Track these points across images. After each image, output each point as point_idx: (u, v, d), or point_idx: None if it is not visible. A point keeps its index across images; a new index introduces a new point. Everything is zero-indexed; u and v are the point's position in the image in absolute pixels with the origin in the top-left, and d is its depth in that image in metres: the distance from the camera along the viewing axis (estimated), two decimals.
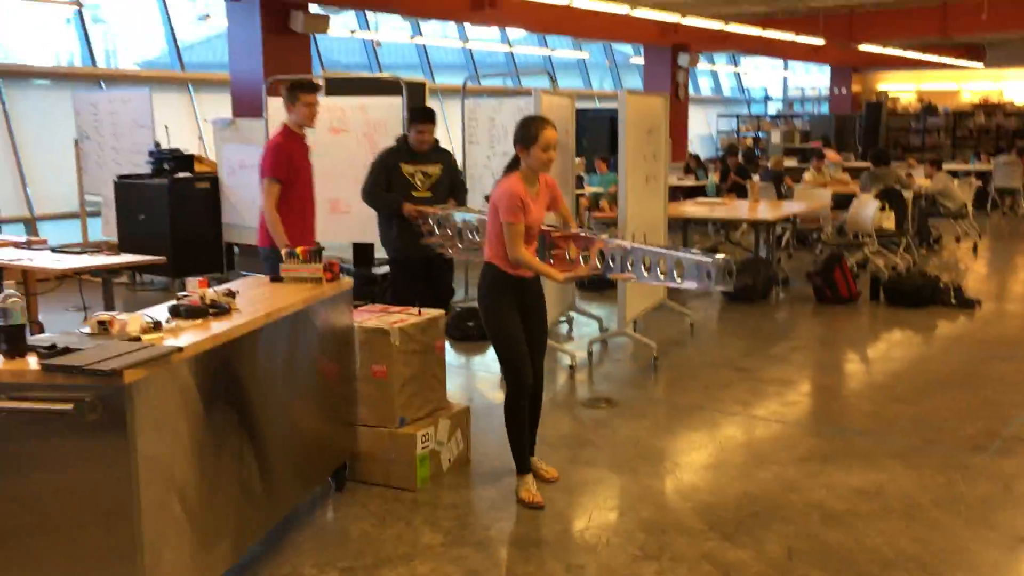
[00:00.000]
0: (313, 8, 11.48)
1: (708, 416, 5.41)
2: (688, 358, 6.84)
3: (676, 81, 18.78)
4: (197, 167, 9.67)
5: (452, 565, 3.53)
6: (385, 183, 5.87)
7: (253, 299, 3.72)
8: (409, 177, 5.87)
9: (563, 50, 19.57)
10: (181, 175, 9.30)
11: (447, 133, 13.51)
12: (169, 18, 13.97)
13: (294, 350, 3.76)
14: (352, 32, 14.29)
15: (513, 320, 4.13)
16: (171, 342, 2.91)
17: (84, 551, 2.68)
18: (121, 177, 9.58)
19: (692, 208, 9.72)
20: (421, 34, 16.66)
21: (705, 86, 25.72)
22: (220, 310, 3.37)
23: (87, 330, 3.01)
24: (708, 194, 11.24)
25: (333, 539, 3.81)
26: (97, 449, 2.63)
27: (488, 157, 8.00)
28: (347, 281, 4.21)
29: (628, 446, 4.93)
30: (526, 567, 3.56)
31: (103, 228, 10.29)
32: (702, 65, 21.38)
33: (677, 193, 12.77)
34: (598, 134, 16.02)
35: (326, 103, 7.82)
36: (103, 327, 3.01)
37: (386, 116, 7.99)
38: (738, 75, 26.60)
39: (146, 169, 9.50)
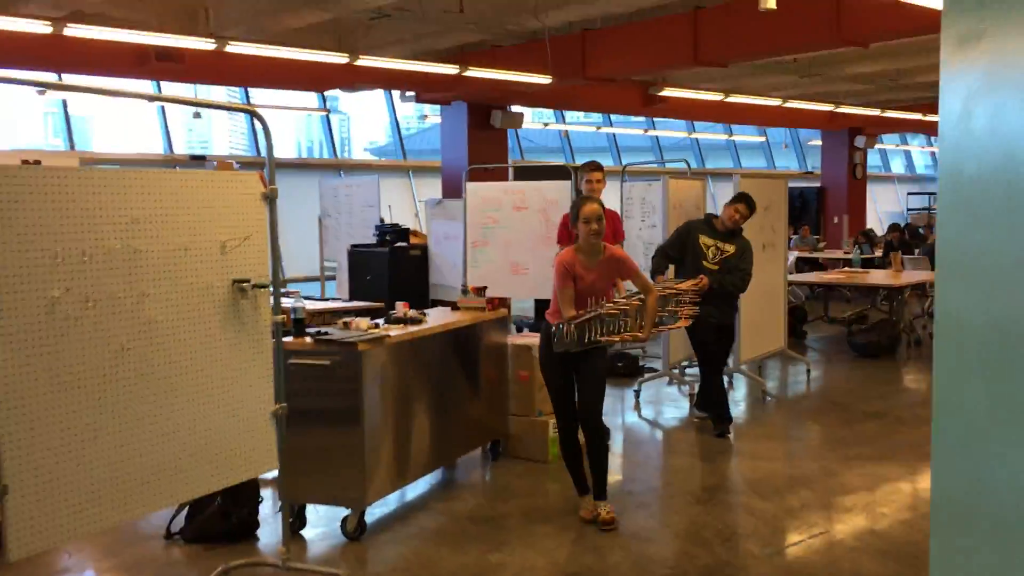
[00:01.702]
0: (513, 107, 13.71)
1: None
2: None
3: (853, 161, 19.76)
4: (412, 239, 11.95)
5: (565, 504, 5.21)
6: (679, 247, 6.58)
7: (438, 317, 5.65)
8: (704, 248, 6.50)
9: (744, 135, 21.02)
10: (399, 244, 11.58)
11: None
12: (396, 114, 16.79)
13: (465, 353, 5.64)
14: (545, 124, 16.51)
15: (555, 370, 4.83)
16: (380, 333, 4.85)
17: (334, 448, 4.60)
18: (353, 246, 12.00)
19: (814, 276, 10.97)
20: (611, 124, 18.71)
21: (899, 164, 26.21)
22: (415, 321, 5.31)
23: (338, 327, 5.00)
24: (854, 265, 12.34)
25: (488, 485, 5.61)
26: (342, 388, 4.57)
27: (640, 228, 9.72)
28: (503, 311, 6.06)
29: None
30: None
31: (337, 288, 12.75)
32: (893, 145, 22.03)
33: (835, 264, 13.91)
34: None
35: (511, 186, 9.88)
36: (346, 325, 5.00)
37: (558, 196, 9.86)
38: (933, 154, 26.91)
39: (372, 240, 11.88)
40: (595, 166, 6.43)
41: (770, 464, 6.01)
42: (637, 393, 8.04)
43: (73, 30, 6.90)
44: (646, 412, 7.61)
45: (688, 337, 6.81)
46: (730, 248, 6.50)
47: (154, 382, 3.46)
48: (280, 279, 4.04)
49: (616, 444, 6.55)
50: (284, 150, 16.43)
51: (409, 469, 5.07)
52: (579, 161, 19.01)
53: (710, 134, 20.44)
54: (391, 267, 11.37)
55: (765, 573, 4.21)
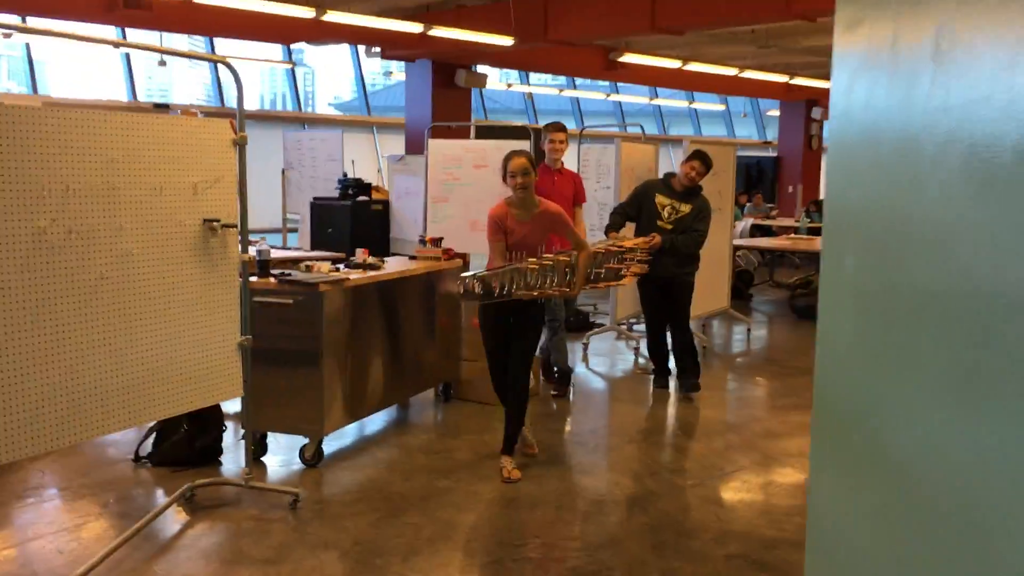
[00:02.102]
0: (478, 67, 13.92)
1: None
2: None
3: (809, 133, 20.24)
4: (374, 194, 12.20)
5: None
6: (636, 206, 6.60)
7: (396, 265, 5.97)
8: (659, 207, 6.49)
9: (706, 102, 21.39)
10: (361, 199, 11.82)
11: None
12: (361, 70, 16.90)
13: (420, 300, 5.97)
14: (509, 85, 16.74)
15: (490, 326, 4.95)
16: (340, 276, 5.16)
17: (294, 382, 4.93)
18: (316, 199, 12.22)
19: (763, 241, 11.43)
20: (575, 87, 18.97)
21: None
22: (374, 267, 5.62)
23: (300, 271, 5.30)
24: (800, 232, 12.82)
25: (439, 424, 5.97)
26: (303, 326, 4.89)
27: (595, 190, 10.06)
28: (457, 261, 6.38)
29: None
30: (555, 445, 5.59)
31: (299, 239, 12.98)
32: None
33: (786, 231, 14.39)
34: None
35: (473, 144, 10.15)
36: (308, 268, 5.30)
37: None
38: None
39: (335, 194, 12.11)
40: (558, 127, 6.53)
41: (704, 411, 6.44)
42: (585, 346, 8.44)
43: None
44: (593, 363, 8.01)
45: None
46: (686, 208, 6.47)
47: (129, 309, 3.76)
48: (246, 221, 4.33)
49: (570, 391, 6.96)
50: (248, 102, 16.50)
51: (364, 404, 5.42)
52: (542, 123, 19.37)
53: (671, 100, 20.76)
54: (352, 220, 11.61)
55: (686, 501, 4.64)
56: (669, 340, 6.87)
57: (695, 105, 21.07)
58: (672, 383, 7.03)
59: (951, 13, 1.70)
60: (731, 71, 12.82)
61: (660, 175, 8.32)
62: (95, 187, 3.60)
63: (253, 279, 4.84)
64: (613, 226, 6.52)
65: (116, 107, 13.51)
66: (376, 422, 5.86)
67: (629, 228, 6.75)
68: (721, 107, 21.89)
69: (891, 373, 2.31)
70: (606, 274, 5.44)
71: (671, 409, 6.60)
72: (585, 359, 8.13)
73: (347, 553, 3.92)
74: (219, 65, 14.26)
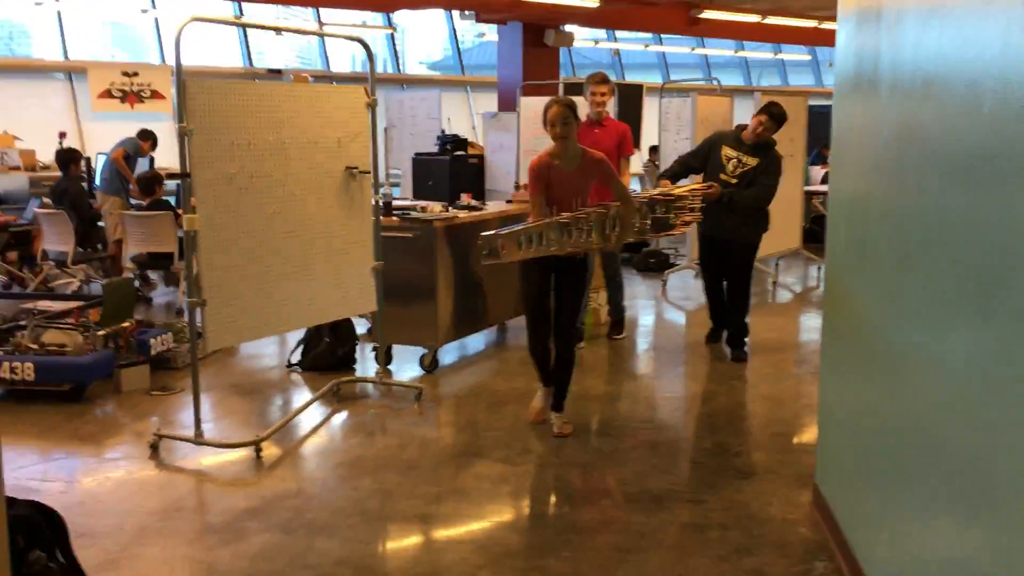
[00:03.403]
0: (566, 26, 14.71)
1: None
2: None
3: None
4: (470, 149, 13.20)
5: (594, 361, 6.55)
6: (702, 157, 6.30)
7: (494, 207, 6.96)
8: (725, 160, 6.14)
9: (792, 52, 21.65)
10: (458, 153, 12.82)
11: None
12: (455, 32, 17.86)
13: None
14: (596, 43, 17.47)
15: (531, 283, 4.72)
16: (451, 215, 6.18)
17: (414, 302, 5.97)
18: (417, 155, 13.28)
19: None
20: (661, 42, 19.54)
21: None
22: (476, 208, 6.62)
23: (417, 211, 6.34)
24: None
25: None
26: (421, 254, 5.92)
27: (675, 141, 10.84)
28: None
29: None
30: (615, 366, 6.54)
31: (401, 192, 14.10)
32: None
33: None
34: (820, 127, 18.15)
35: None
36: (423, 209, 6.33)
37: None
38: None
39: (434, 149, 13.15)
40: (601, 78, 6.36)
41: (768, 334, 7.27)
42: (664, 283, 9.33)
43: None
44: (671, 295, 8.90)
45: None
46: (752, 161, 6.08)
47: (294, 237, 4.84)
48: (378, 169, 5.35)
49: (648, 320, 7.88)
50: (342, 64, 17.63)
51: (471, 323, 6.45)
52: (630, 79, 20.01)
53: (757, 52, 21.13)
54: (451, 173, 12.61)
55: (742, 398, 5.54)
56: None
57: (781, 56, 21.36)
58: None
59: None
60: (811, 23, 13.31)
61: (732, 125, 8.90)
62: (268, 142, 4.67)
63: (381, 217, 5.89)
64: (668, 173, 6.30)
65: (235, 72, 14.82)
66: (480, 340, 6.90)
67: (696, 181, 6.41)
68: (807, 57, 22.08)
69: (891, 290, 3.22)
70: (654, 224, 5.21)
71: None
72: (664, 293, 9.01)
73: (463, 429, 4.98)
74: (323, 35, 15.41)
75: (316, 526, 3.72)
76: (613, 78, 18.00)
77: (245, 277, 4.58)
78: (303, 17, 16.14)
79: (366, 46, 5.31)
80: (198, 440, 4.50)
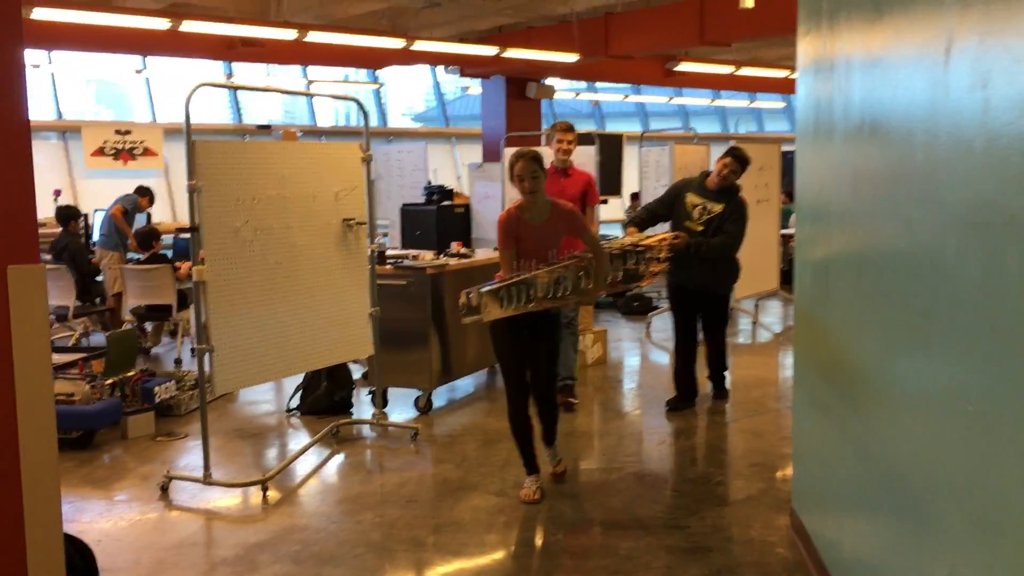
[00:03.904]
0: (547, 79, 15.16)
1: None
2: None
3: None
4: (456, 199, 13.55)
5: (584, 399, 6.82)
6: (668, 204, 6.14)
7: (482, 255, 7.25)
8: (690, 207, 5.99)
9: (767, 100, 22.25)
10: (445, 203, 13.17)
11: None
12: (439, 86, 18.34)
13: None
14: (576, 95, 17.96)
15: (507, 342, 4.52)
16: (442, 263, 6.46)
17: (408, 346, 6.23)
18: (405, 205, 13.62)
19: None
20: (639, 92, 20.07)
21: None
22: (466, 256, 6.91)
23: (410, 259, 6.62)
24: None
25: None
26: (414, 300, 6.20)
27: (655, 188, 11.21)
28: None
29: None
30: (609, 394, 6.80)
31: (390, 241, 14.42)
32: None
33: None
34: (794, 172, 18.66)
35: (543, 151, 11.37)
36: (415, 258, 6.62)
37: (584, 161, 11.39)
38: None
39: (421, 200, 13.49)
40: (566, 126, 6.25)
41: (748, 371, 7.56)
42: (648, 325, 9.63)
43: (186, 25, 8.51)
44: (655, 337, 9.19)
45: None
46: (717, 208, 5.96)
47: (295, 287, 5.11)
48: (373, 220, 5.65)
49: (634, 360, 8.16)
50: (325, 118, 18.04)
51: (463, 366, 6.70)
52: (609, 127, 20.56)
53: (734, 101, 21.72)
54: (438, 223, 12.93)
55: (723, 432, 5.80)
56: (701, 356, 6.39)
57: (756, 104, 21.95)
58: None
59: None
60: (783, 73, 13.81)
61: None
62: (271, 197, 4.96)
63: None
64: (635, 221, 6.17)
65: (225, 128, 15.18)
66: (470, 382, 7.15)
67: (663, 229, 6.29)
68: (782, 104, 22.70)
69: (851, 326, 3.51)
70: (624, 276, 5.17)
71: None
72: (648, 335, 9.30)
73: (458, 465, 5.21)
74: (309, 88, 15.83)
75: (323, 557, 3.94)
76: (593, 128, 18.56)
77: (250, 324, 4.84)
78: (286, 73, 16.57)
79: (361, 106, 5.64)
80: (207, 480, 4.72)
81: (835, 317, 3.54)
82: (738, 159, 6.08)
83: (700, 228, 5.95)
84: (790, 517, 4.22)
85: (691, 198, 6.05)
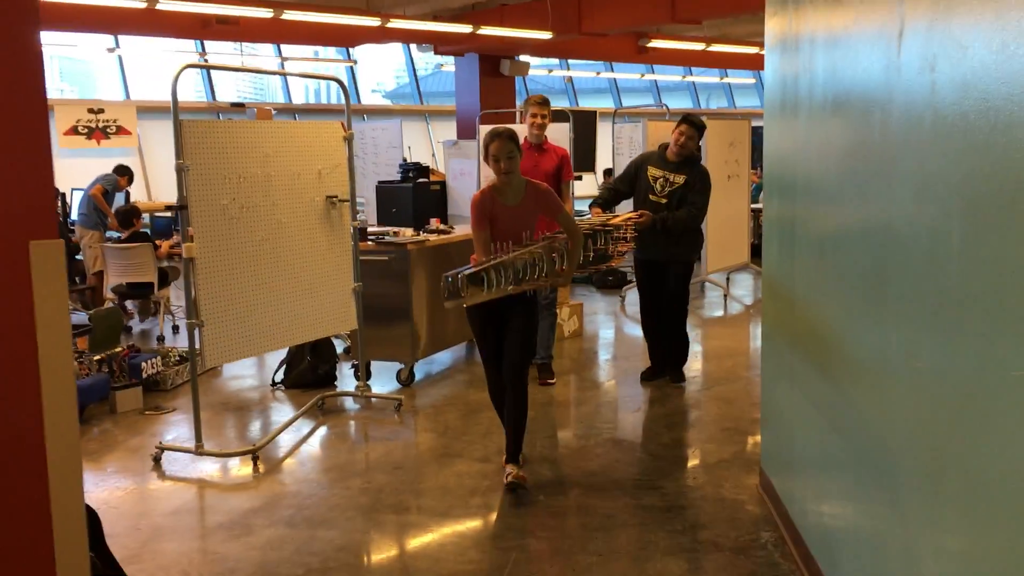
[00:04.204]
0: (521, 56, 15.27)
1: None
2: None
3: None
4: (431, 176, 13.65)
5: (561, 369, 7.01)
6: (629, 180, 6.13)
7: (460, 231, 7.40)
8: (651, 180, 5.98)
9: (738, 76, 22.47)
10: (421, 180, 13.28)
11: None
12: (413, 63, 18.37)
13: None
14: (550, 71, 18.07)
15: (479, 325, 4.50)
16: (422, 239, 6.62)
17: (390, 320, 6.39)
18: (380, 183, 13.71)
19: None
20: (612, 69, 20.21)
21: None
22: (445, 232, 7.07)
23: (391, 235, 6.76)
24: None
25: None
26: (395, 276, 6.35)
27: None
28: None
29: None
30: (584, 369, 7.01)
31: (366, 219, 14.51)
32: None
33: None
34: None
35: (517, 127, 11.51)
36: (395, 234, 6.76)
37: (558, 137, 11.54)
38: None
39: (397, 177, 13.58)
40: (540, 100, 6.21)
41: (720, 342, 7.80)
42: (623, 298, 9.84)
43: (163, 4, 8.54)
44: (629, 310, 9.41)
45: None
46: (679, 179, 5.93)
47: (281, 263, 5.25)
48: (355, 197, 5.78)
49: (608, 333, 8.36)
50: (297, 96, 18.03)
51: (443, 339, 6.87)
52: (582, 104, 20.70)
53: (705, 77, 21.93)
54: (414, 200, 13.07)
55: (696, 399, 6.03)
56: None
57: (727, 80, 22.16)
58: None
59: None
60: (753, 49, 14.00)
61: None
62: (256, 175, 5.09)
63: None
64: (598, 201, 6.11)
65: (199, 107, 15.15)
66: (450, 356, 7.32)
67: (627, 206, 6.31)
68: (752, 80, 22.92)
69: (814, 295, 3.74)
70: (594, 257, 5.17)
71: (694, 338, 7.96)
72: (623, 308, 9.52)
73: (442, 434, 5.39)
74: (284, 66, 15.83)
75: (315, 520, 4.12)
76: (567, 104, 18.67)
77: (238, 299, 4.97)
78: (259, 50, 16.54)
79: (343, 86, 5.76)
80: (199, 451, 4.87)
81: (800, 287, 3.75)
82: (694, 125, 6.01)
83: (664, 200, 5.93)
84: (759, 477, 4.44)
85: (652, 171, 6.03)
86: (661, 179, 5.98)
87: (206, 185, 4.80)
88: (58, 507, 2.37)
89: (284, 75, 16.85)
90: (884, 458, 2.55)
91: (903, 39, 2.37)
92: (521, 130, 5.98)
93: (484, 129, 10.68)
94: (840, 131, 3.07)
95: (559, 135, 11.26)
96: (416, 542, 3.95)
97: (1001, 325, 1.79)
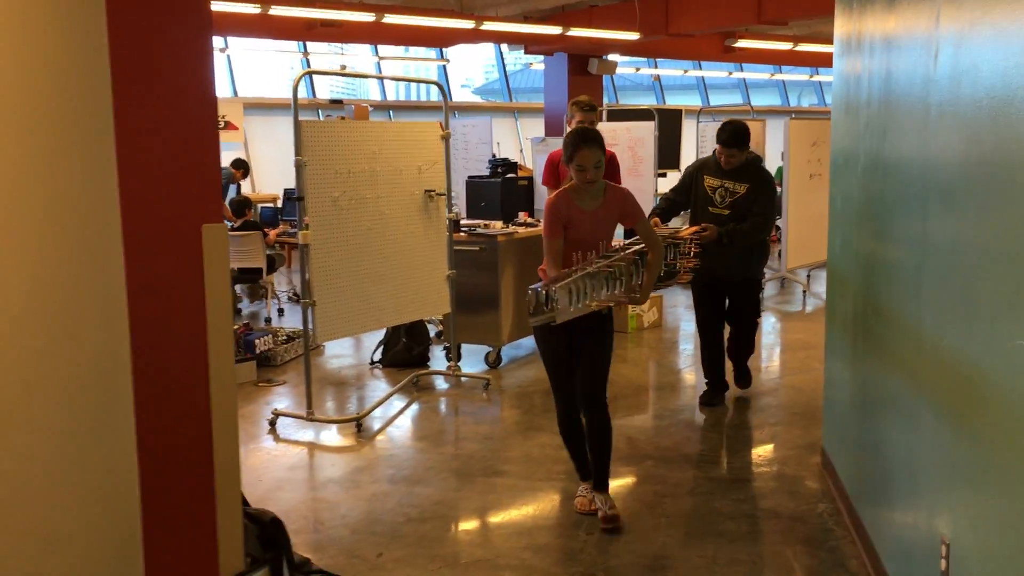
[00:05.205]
0: (609, 56, 15.63)
1: None
2: None
3: None
4: (519, 171, 14.13)
5: (636, 351, 7.40)
6: (685, 190, 5.69)
7: None
8: (709, 190, 5.53)
9: (828, 74, 22.32)
10: (509, 176, 13.77)
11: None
12: (503, 62, 18.88)
13: None
14: (637, 70, 18.36)
15: (552, 345, 4.03)
16: (511, 231, 7.08)
17: (480, 306, 6.87)
18: (470, 177, 14.24)
19: None
20: (700, 67, 20.38)
21: None
22: (532, 225, 7.52)
23: (482, 227, 7.25)
24: None
25: None
26: (486, 265, 6.83)
27: None
28: None
29: None
30: (668, 355, 7.38)
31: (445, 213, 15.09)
32: None
33: None
34: None
35: (604, 126, 11.91)
36: (486, 226, 7.24)
37: (644, 135, 11.90)
38: None
39: (486, 172, 14.10)
40: (586, 105, 5.67)
41: (795, 335, 8.06)
42: None
43: (275, 9, 9.20)
44: None
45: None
46: (741, 187, 5.45)
47: (384, 250, 5.77)
48: (451, 191, 6.27)
49: (687, 326, 8.72)
50: (391, 93, 18.73)
51: (529, 325, 7.31)
52: (670, 101, 20.94)
53: (794, 75, 21.89)
54: (503, 194, 13.56)
55: (767, 389, 6.35)
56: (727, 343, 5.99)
57: (817, 78, 22.08)
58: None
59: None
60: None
61: (766, 151, 9.47)
62: (363, 170, 5.62)
63: None
64: (655, 211, 5.69)
65: (303, 104, 15.91)
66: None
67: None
68: None
69: (866, 277, 4.10)
70: (664, 272, 4.67)
71: (769, 330, 8.25)
72: None
73: (526, 411, 5.85)
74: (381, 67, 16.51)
75: (414, 479, 4.62)
76: (654, 103, 18.91)
77: (346, 282, 5.52)
78: (356, 49, 17.27)
79: (442, 89, 6.26)
80: (310, 417, 5.44)
81: (857, 276, 4.08)
82: (730, 142, 5.41)
83: (727, 212, 5.47)
84: (820, 456, 4.77)
85: (709, 180, 5.56)
86: (720, 189, 5.53)
87: (320, 179, 5.35)
88: (220, 465, 2.89)
89: (398, 80, 17.50)
90: (919, 424, 2.90)
91: (938, 40, 2.71)
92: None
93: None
94: (892, 127, 3.40)
95: (644, 133, 11.63)
96: (503, 499, 4.41)
97: None
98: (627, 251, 4.08)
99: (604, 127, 11.65)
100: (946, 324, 2.62)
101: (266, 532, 3.08)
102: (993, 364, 2.20)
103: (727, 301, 5.82)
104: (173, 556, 2.76)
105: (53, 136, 2.25)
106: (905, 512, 3.08)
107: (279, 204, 11.04)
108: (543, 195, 12.65)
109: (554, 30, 11.54)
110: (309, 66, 16.24)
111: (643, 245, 4.12)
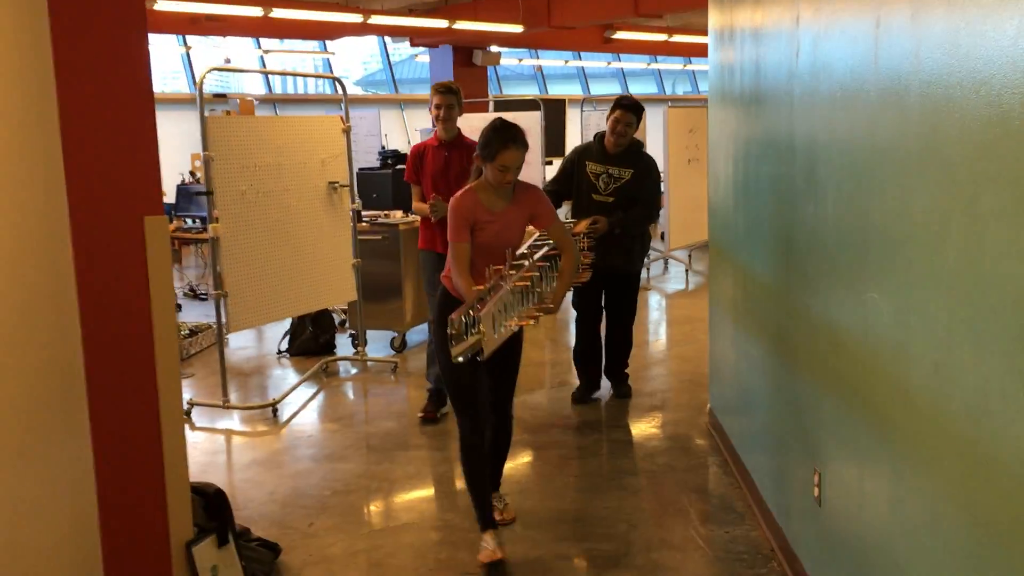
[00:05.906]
0: (492, 47, 15.97)
1: None
2: None
3: None
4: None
5: (531, 330, 7.78)
6: (566, 179, 5.38)
7: None
8: (592, 178, 5.25)
9: (702, 64, 23.28)
10: (399, 167, 13.96)
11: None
12: (387, 54, 19.00)
13: None
14: (520, 60, 18.78)
15: (463, 369, 3.42)
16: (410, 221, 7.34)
17: (383, 293, 7.11)
18: (361, 169, 14.35)
19: None
20: (580, 58, 20.96)
21: None
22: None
23: (382, 217, 7.47)
24: None
25: None
26: (388, 253, 7.07)
27: None
28: None
29: None
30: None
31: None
32: None
33: None
34: None
35: (491, 116, 12.23)
36: (387, 216, 7.47)
37: (531, 124, 12.28)
38: None
39: (375, 163, 14.26)
40: (444, 87, 5.22)
41: (681, 311, 8.59)
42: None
43: (160, 4, 9.15)
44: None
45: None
46: (626, 173, 5.23)
47: (291, 241, 5.96)
48: (353, 182, 6.48)
49: None
50: (275, 85, 18.67)
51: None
52: (552, 90, 21.43)
53: (669, 64, 22.74)
54: (393, 185, 13.77)
55: (656, 360, 6.82)
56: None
57: (691, 67, 22.98)
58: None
59: None
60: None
61: (646, 138, 9.88)
62: (269, 164, 5.79)
63: None
64: None
65: (183, 98, 15.71)
66: None
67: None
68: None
69: (739, 253, 4.55)
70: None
71: (655, 305, 8.75)
72: None
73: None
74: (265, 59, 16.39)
75: (335, 457, 4.86)
76: (537, 92, 19.37)
77: (256, 273, 5.68)
78: (237, 43, 17.10)
79: (341, 84, 6.46)
80: (226, 405, 5.59)
81: (733, 253, 4.53)
82: (630, 109, 5.20)
83: (611, 200, 5.21)
84: (709, 416, 5.24)
85: (592, 166, 5.29)
86: (604, 175, 5.25)
87: (228, 173, 5.50)
88: (169, 446, 3.08)
89: (294, 75, 17.29)
90: (793, 402, 3.34)
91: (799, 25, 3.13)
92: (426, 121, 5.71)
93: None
94: (758, 117, 3.84)
95: (531, 123, 12.01)
96: (422, 470, 4.70)
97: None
98: (535, 258, 3.68)
99: (490, 117, 11.96)
100: (811, 290, 3.05)
101: (211, 503, 3.28)
102: (851, 319, 2.62)
103: (603, 296, 5.57)
104: (128, 528, 2.95)
105: (2, 132, 2.42)
106: (784, 456, 3.52)
107: (172, 200, 10.94)
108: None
109: (441, 23, 11.80)
110: (190, 60, 16.04)
111: (551, 248, 3.82)
